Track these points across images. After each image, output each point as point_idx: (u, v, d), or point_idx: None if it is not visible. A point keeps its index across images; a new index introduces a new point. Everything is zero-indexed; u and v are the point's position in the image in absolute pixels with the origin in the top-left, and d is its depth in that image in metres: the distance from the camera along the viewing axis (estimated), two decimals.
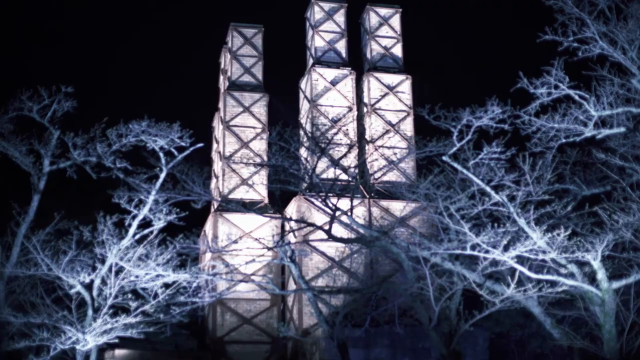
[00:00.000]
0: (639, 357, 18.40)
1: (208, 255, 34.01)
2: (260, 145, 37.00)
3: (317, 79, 36.62)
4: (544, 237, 17.95)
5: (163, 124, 20.33)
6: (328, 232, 21.16)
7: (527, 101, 19.63)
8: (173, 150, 20.67)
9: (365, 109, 36.85)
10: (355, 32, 39.66)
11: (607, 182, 22.33)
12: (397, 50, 38.40)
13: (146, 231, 20.49)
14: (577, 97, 18.90)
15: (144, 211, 20.34)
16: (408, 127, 36.58)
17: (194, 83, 68.90)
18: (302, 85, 38.36)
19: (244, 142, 37.30)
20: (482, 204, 19.54)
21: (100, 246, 19.77)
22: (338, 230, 28.16)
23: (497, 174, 19.36)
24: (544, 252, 18.22)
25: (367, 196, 34.39)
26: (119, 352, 33.22)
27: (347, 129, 35.93)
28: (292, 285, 33.43)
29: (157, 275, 20.02)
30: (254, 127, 37.73)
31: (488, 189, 18.95)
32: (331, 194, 23.12)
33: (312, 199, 26.00)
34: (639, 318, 18.56)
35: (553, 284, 18.64)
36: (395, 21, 38.87)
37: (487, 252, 18.26)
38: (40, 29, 72.88)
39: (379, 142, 35.94)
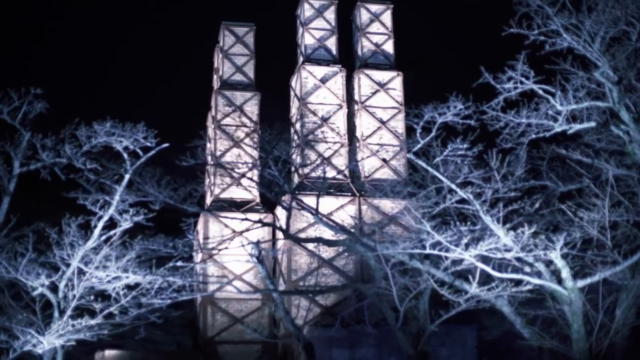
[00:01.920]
0: (608, 357, 17.91)
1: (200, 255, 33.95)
2: (251, 144, 36.78)
3: (307, 76, 36.31)
4: (509, 235, 17.54)
5: (127, 124, 20.21)
6: (286, 231, 20.89)
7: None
8: (138, 150, 20.54)
9: (355, 107, 36.51)
10: (347, 29, 39.32)
11: (584, 179, 21.82)
12: (389, 47, 37.99)
13: (112, 232, 20.36)
14: (541, 92, 18.47)
15: (110, 212, 20.23)
16: (399, 124, 36.10)
17: (193, 83, 69.00)
18: (293, 83, 38.10)
19: (236, 141, 37.16)
20: (449, 201, 19.16)
21: (58, 248, 19.65)
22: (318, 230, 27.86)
23: (462, 170, 18.95)
24: (509, 250, 17.80)
25: (357, 194, 34.07)
26: (109, 352, 33.13)
27: (337, 127, 35.61)
28: (281, 285, 33.18)
29: (121, 277, 19.85)
30: (245, 126, 37.56)
31: (453, 186, 18.54)
32: (302, 193, 22.76)
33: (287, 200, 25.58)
34: (608, 318, 18.07)
35: (518, 282, 18.22)
36: (387, 17, 38.47)
37: (447, 250, 17.85)
38: (40, 29, 73.41)
39: (369, 140, 35.57)
